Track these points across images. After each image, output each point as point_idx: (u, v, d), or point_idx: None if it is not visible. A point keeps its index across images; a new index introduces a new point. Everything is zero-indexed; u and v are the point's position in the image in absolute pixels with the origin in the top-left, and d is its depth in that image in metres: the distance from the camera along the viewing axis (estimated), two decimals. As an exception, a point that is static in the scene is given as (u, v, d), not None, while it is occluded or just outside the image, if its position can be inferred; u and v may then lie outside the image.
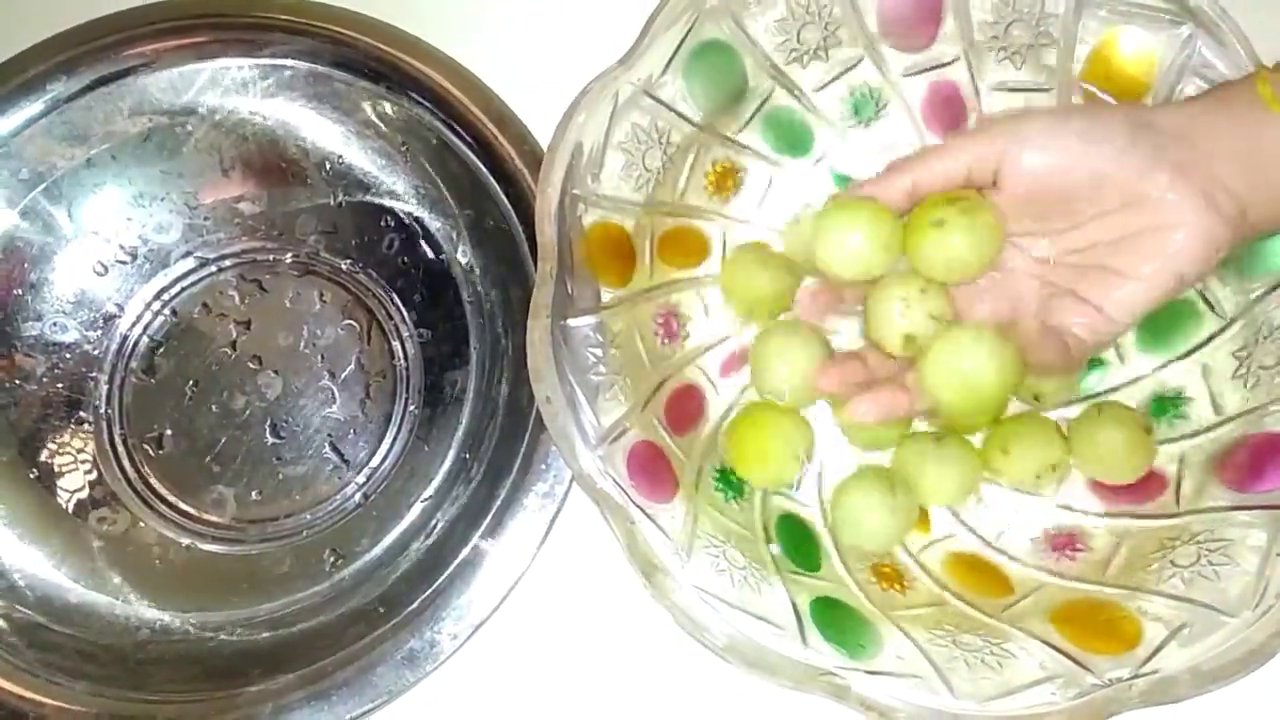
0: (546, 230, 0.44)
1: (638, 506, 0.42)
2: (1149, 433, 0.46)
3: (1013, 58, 0.50)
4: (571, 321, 0.44)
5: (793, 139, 0.52)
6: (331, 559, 0.50)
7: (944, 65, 0.51)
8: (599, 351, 0.45)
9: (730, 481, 0.48)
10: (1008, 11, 0.49)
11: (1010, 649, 0.42)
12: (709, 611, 0.41)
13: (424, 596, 0.48)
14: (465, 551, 0.48)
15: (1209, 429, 0.46)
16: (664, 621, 0.41)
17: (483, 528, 0.48)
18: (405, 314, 0.54)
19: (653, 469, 0.45)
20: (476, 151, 0.51)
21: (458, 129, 0.51)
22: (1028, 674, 0.41)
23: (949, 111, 0.51)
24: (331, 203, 0.54)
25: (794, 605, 0.43)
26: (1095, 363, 0.49)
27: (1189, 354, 0.48)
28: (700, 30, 0.48)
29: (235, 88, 0.52)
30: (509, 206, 0.50)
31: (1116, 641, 0.42)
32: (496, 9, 0.54)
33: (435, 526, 0.50)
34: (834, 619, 0.43)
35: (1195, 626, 0.41)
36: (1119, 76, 0.48)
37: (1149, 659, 0.41)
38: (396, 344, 0.54)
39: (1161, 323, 0.48)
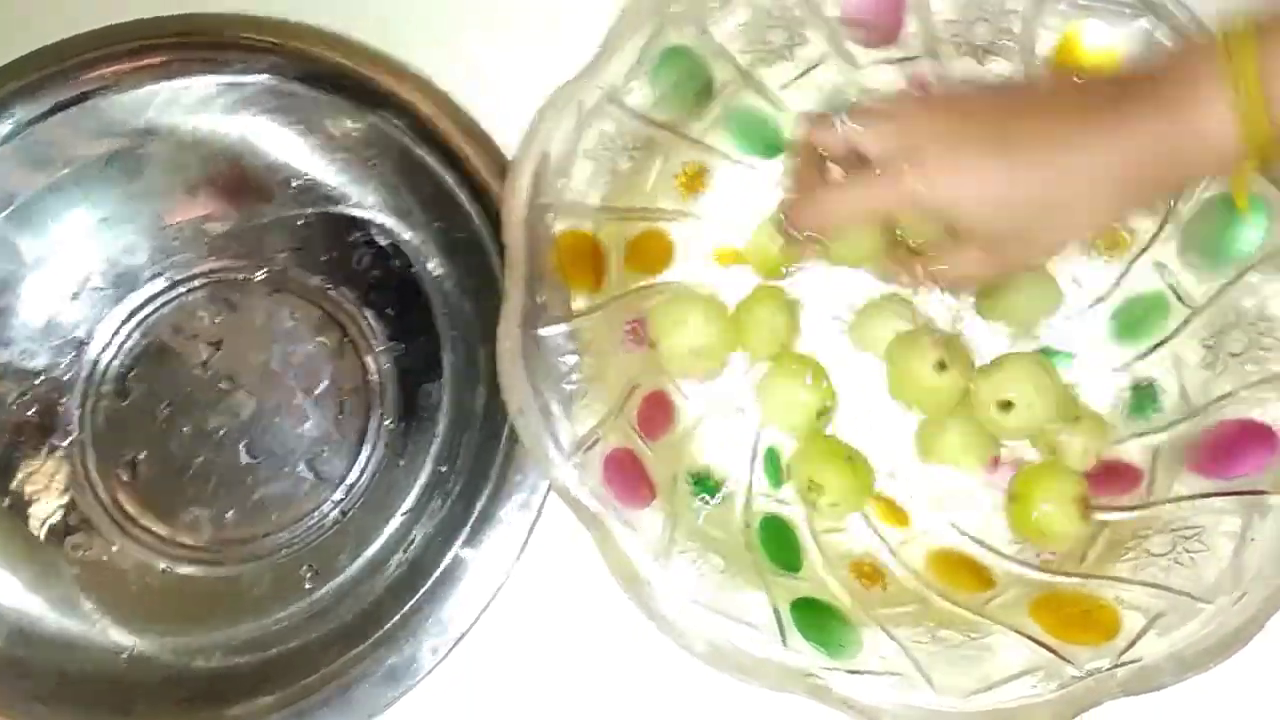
0: (514, 240, 0.44)
1: (615, 514, 0.42)
2: (1083, 503, 0.46)
3: (976, 53, 0.50)
4: (542, 331, 0.44)
5: (762, 139, 0.52)
6: (309, 577, 0.50)
7: (909, 60, 0.51)
8: (571, 360, 0.45)
9: (706, 484, 0.48)
10: (971, 10, 0.49)
11: (990, 643, 0.43)
12: (689, 617, 0.41)
13: (404, 611, 0.47)
14: (444, 564, 0.48)
15: (1182, 419, 0.47)
16: (645, 627, 0.41)
17: (461, 540, 0.48)
18: (378, 328, 0.53)
19: (629, 475, 0.45)
20: (444, 163, 0.50)
21: (424, 141, 0.51)
22: (1008, 667, 0.41)
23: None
24: (300, 219, 0.54)
25: (774, 607, 0.43)
26: (1067, 356, 0.50)
27: (1160, 345, 0.48)
28: (664, 36, 0.48)
29: (196, 106, 0.52)
30: (479, 217, 0.50)
31: (1096, 632, 0.42)
32: (460, 20, 0.54)
33: (413, 540, 0.50)
34: (814, 620, 0.43)
35: (1173, 614, 0.41)
36: (1082, 70, 0.49)
37: (1128, 648, 0.41)
38: (370, 359, 0.53)
39: (1133, 315, 0.49)
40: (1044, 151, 0.41)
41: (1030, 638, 0.42)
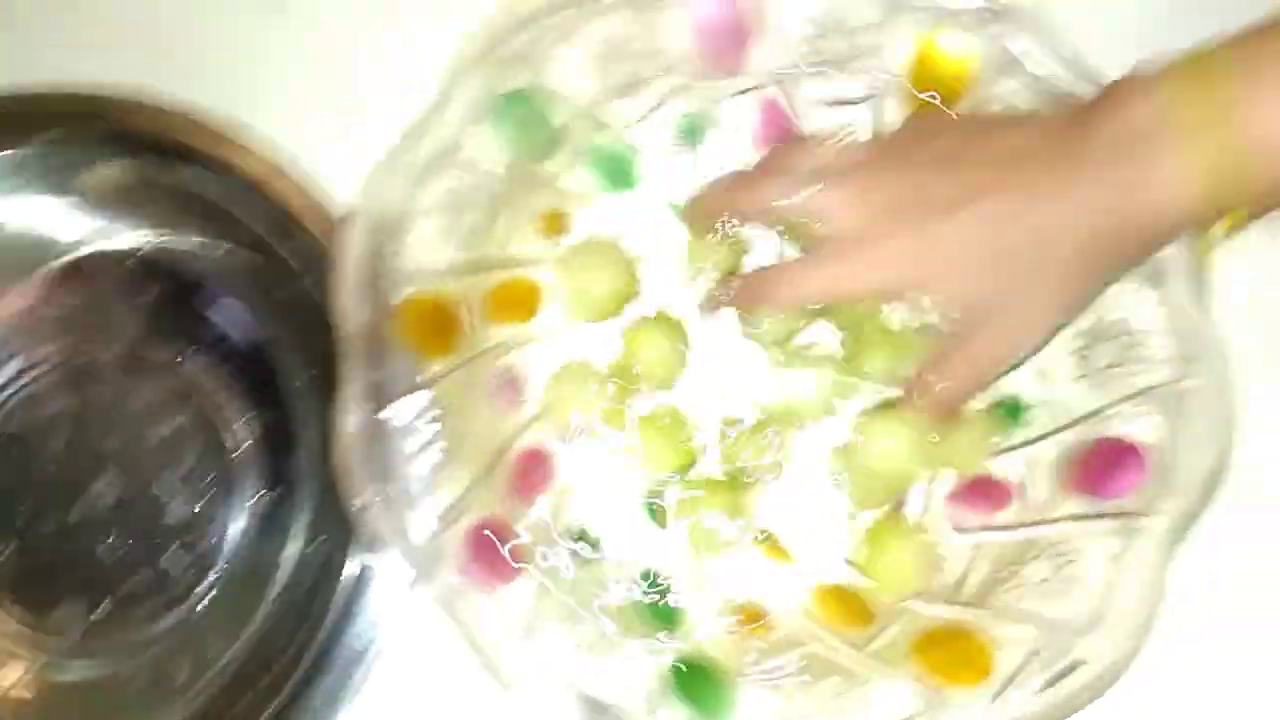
0: (347, 317, 0.42)
1: (477, 596, 0.41)
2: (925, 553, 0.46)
3: (833, 68, 0.48)
4: (389, 410, 0.43)
5: (618, 175, 0.50)
6: (184, 671, 0.49)
7: (764, 85, 0.49)
8: (424, 435, 0.43)
9: (586, 540, 0.46)
10: (821, 24, 0.47)
11: (868, 691, 0.42)
12: (557, 692, 0.40)
13: (292, 684, 0.47)
14: (320, 638, 0.47)
15: (1053, 432, 0.46)
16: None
17: (331, 618, 0.47)
18: (236, 400, 0.51)
19: (494, 548, 0.43)
20: (278, 231, 0.49)
21: (257, 208, 0.49)
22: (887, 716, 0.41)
23: (777, 128, 0.50)
24: (143, 294, 0.52)
25: (649, 673, 0.42)
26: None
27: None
28: (501, 80, 0.45)
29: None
30: (314, 286, 0.48)
31: (973, 671, 0.41)
32: (289, 81, 0.51)
33: (290, 618, 0.48)
34: (691, 682, 0.42)
35: (1048, 650, 0.41)
36: (942, 77, 0.47)
37: (1003, 689, 0.40)
38: (231, 433, 0.51)
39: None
40: (1009, 217, 0.39)
41: (909, 681, 0.42)
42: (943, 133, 0.43)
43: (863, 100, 0.49)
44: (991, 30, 0.45)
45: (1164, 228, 0.38)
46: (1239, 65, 0.35)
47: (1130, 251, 0.40)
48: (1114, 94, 0.39)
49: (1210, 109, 0.35)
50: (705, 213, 0.47)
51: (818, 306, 0.45)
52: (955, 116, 0.46)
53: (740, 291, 0.45)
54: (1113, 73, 0.43)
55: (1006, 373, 0.44)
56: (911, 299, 0.42)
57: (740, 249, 0.48)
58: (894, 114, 0.48)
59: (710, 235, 0.47)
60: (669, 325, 0.48)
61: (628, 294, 0.49)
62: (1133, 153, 0.37)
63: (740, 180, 0.47)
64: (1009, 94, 0.45)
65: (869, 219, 0.41)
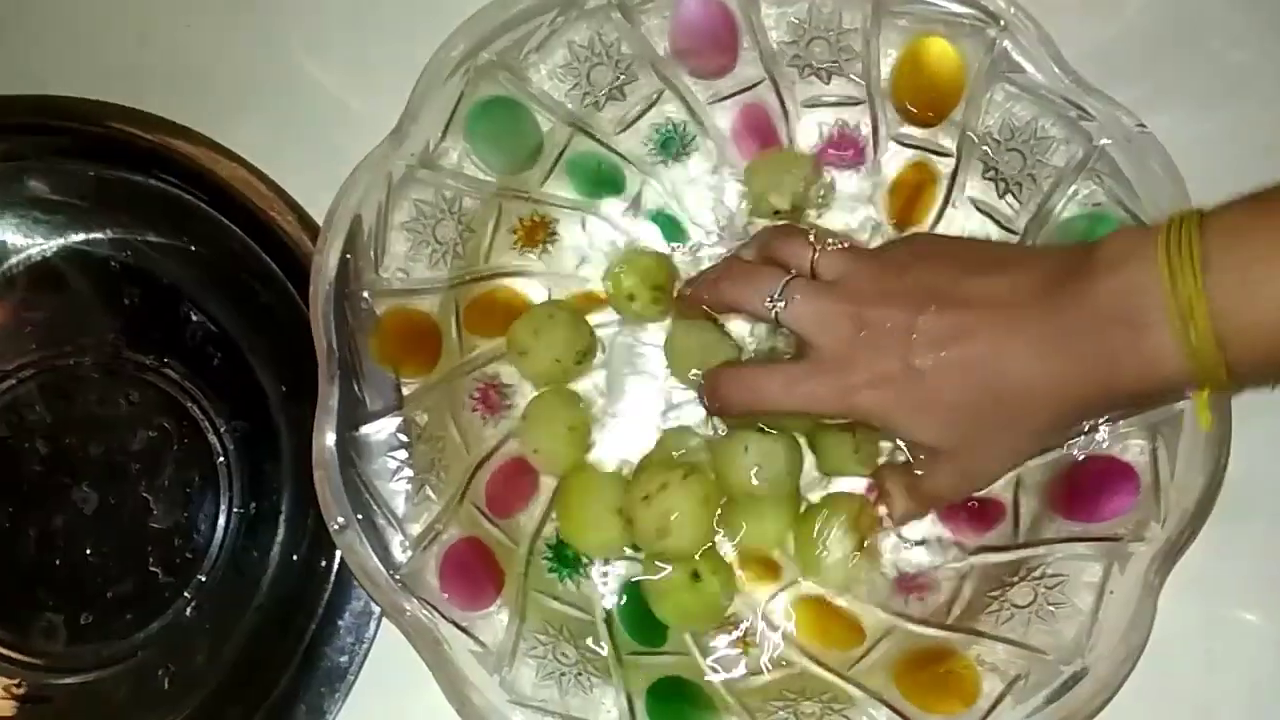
0: (323, 340, 0.41)
1: (452, 622, 0.40)
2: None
3: (819, 74, 0.47)
4: (365, 429, 0.42)
5: (602, 183, 0.49)
6: (166, 680, 0.48)
7: (749, 89, 0.48)
8: (402, 454, 0.43)
9: (565, 558, 0.46)
10: (806, 29, 0.46)
11: (850, 716, 0.42)
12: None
13: (276, 692, 0.47)
14: (304, 646, 0.47)
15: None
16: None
17: (313, 629, 0.46)
18: (218, 408, 0.51)
19: (473, 569, 0.43)
20: (259, 238, 0.48)
21: (235, 215, 0.48)
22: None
23: (760, 136, 0.49)
24: (124, 297, 0.51)
25: (628, 697, 0.42)
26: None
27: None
28: (477, 89, 0.44)
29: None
30: (296, 293, 0.48)
31: (955, 698, 0.41)
32: (267, 92, 0.51)
33: (273, 630, 0.48)
34: (671, 707, 0.42)
35: (1031, 677, 0.40)
36: (929, 85, 0.46)
37: (987, 715, 0.40)
38: (213, 440, 0.51)
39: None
40: (990, 362, 0.37)
41: (891, 707, 0.41)
42: (940, 257, 0.41)
43: (852, 104, 0.47)
44: (980, 39, 0.44)
45: (1150, 393, 0.37)
46: (1219, 240, 0.34)
47: (1110, 408, 0.40)
48: (1111, 250, 0.36)
49: (1190, 289, 0.33)
50: (690, 304, 0.46)
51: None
52: (952, 240, 0.45)
53: (707, 388, 0.44)
54: (1103, 86, 0.42)
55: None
56: (879, 430, 0.41)
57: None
58: (888, 117, 0.47)
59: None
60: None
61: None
62: (1123, 324, 0.35)
63: (728, 272, 0.45)
64: (999, 103, 0.44)
65: (852, 343, 0.39)
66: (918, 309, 0.38)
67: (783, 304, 0.40)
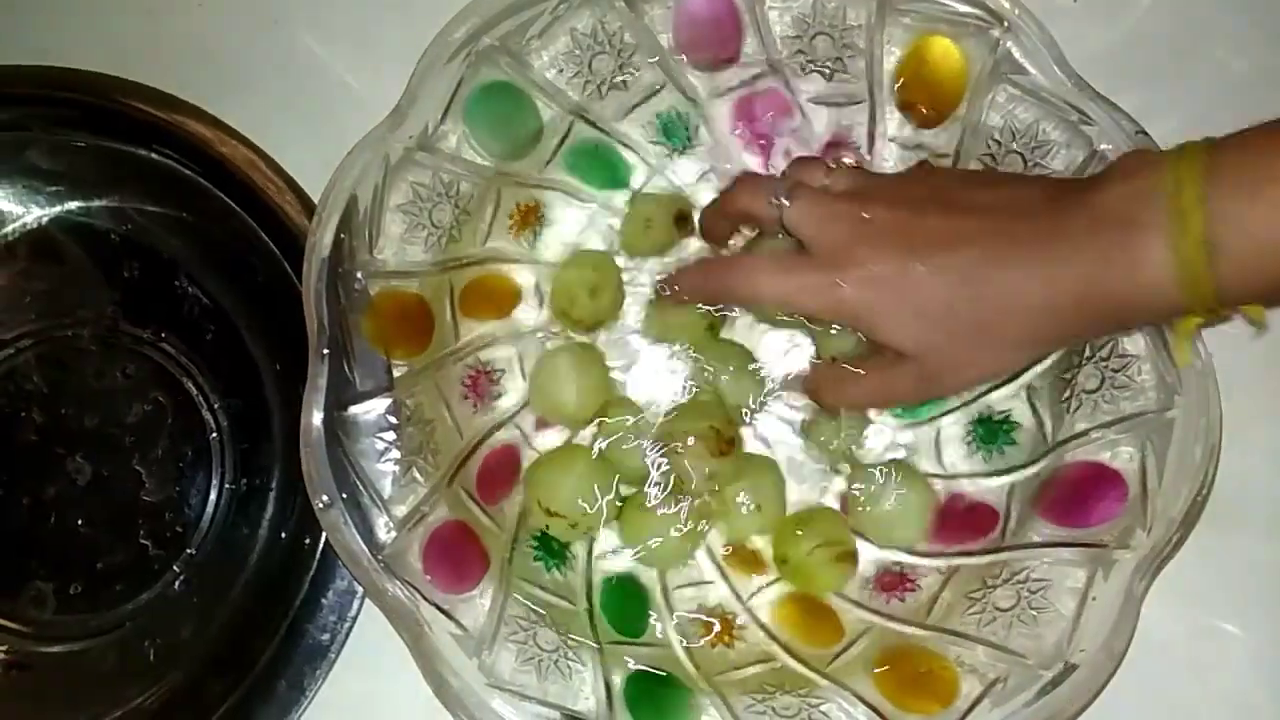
0: (315, 319, 0.41)
1: (434, 604, 0.41)
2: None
3: (821, 70, 0.47)
4: (355, 409, 0.42)
5: (606, 172, 0.49)
6: (152, 651, 0.49)
7: (751, 82, 0.48)
8: (390, 435, 0.43)
9: (550, 547, 0.46)
10: (810, 24, 0.46)
11: (827, 710, 0.42)
12: (510, 710, 0.40)
13: (261, 665, 0.47)
14: (290, 621, 0.47)
15: (1037, 458, 0.45)
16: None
17: (297, 605, 0.47)
18: (212, 384, 0.51)
19: (457, 552, 0.43)
20: (255, 213, 0.48)
21: (231, 189, 0.48)
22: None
23: (762, 130, 0.49)
24: (124, 269, 0.51)
25: (607, 685, 0.42)
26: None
27: (1015, 376, 0.46)
28: (478, 73, 0.44)
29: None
30: (292, 270, 0.47)
31: (933, 698, 0.41)
32: (269, 72, 0.51)
33: (258, 606, 0.48)
34: (649, 696, 0.42)
35: (1009, 680, 0.40)
36: (931, 84, 0.46)
37: (964, 717, 0.40)
38: (207, 416, 0.51)
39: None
40: (981, 268, 0.38)
41: (868, 704, 0.41)
42: (951, 173, 0.42)
43: (853, 103, 0.47)
44: (984, 40, 0.44)
45: (1137, 308, 0.37)
46: (1230, 155, 0.34)
47: (1092, 323, 0.39)
48: (1124, 165, 0.37)
49: (1190, 195, 0.33)
50: (685, 285, 0.45)
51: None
52: (968, 170, 0.45)
53: (693, 275, 0.44)
54: (1105, 90, 0.42)
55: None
56: (862, 329, 0.41)
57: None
58: (886, 117, 0.47)
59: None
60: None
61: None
62: (1120, 224, 0.35)
63: (736, 182, 0.45)
64: (1001, 104, 0.44)
65: (850, 240, 0.39)
66: (923, 210, 0.39)
67: (788, 203, 0.41)
